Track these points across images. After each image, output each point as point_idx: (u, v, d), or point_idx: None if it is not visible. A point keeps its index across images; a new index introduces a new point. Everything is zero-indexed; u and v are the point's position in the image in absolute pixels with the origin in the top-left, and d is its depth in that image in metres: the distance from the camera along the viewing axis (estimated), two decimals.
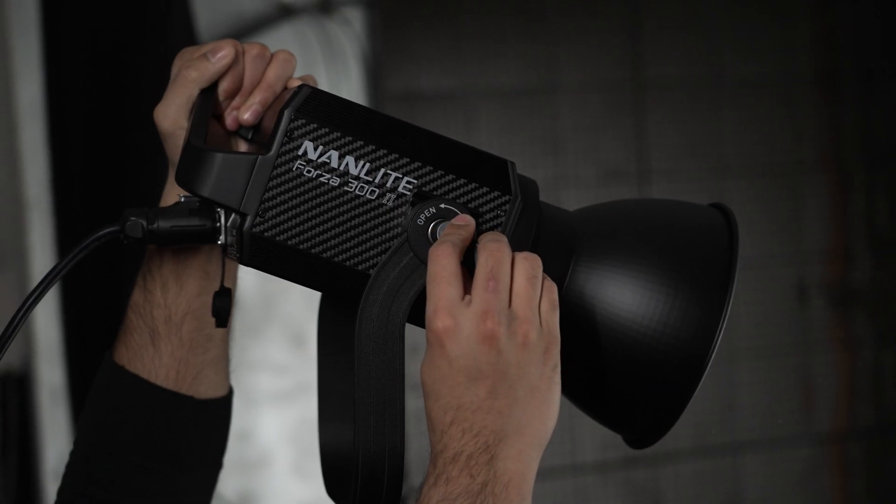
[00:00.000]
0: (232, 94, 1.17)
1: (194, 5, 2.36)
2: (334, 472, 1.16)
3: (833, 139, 3.34)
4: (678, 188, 3.14)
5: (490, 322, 0.98)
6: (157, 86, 2.19)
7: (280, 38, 2.79)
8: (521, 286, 1.01)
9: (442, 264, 1.00)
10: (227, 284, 1.20)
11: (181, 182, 1.05)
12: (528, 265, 1.01)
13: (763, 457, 3.29)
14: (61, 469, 2.63)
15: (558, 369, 1.01)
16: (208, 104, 1.15)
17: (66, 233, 2.42)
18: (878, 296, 3.40)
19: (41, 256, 2.58)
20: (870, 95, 3.36)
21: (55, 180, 2.44)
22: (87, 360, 2.35)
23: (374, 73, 2.91)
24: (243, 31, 2.75)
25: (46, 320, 2.58)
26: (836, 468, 3.38)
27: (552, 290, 1.02)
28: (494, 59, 3.03)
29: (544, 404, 1.00)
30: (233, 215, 1.04)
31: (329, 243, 1.04)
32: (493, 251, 1.01)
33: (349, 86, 2.81)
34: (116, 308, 2.28)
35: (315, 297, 2.82)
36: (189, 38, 2.26)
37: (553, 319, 1.01)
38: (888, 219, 3.41)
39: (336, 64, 2.83)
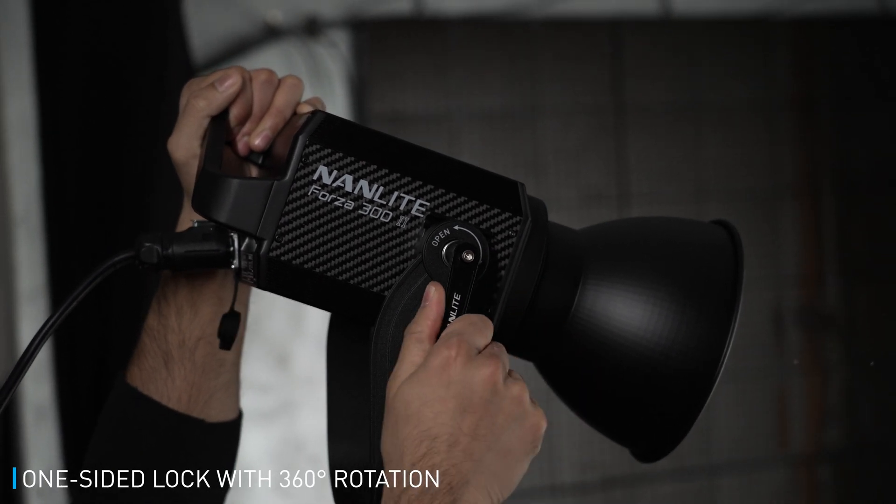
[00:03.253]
0: (242, 121, 1.18)
1: (188, 25, 2.38)
2: (345, 490, 1.18)
3: (809, 165, 3.38)
4: (657, 211, 3.17)
5: (495, 364, 1.00)
6: (154, 104, 2.21)
7: (267, 60, 2.81)
8: (515, 376, 1.03)
9: (484, 321, 1.03)
10: (237, 309, 1.21)
11: (198, 208, 1.06)
12: (518, 375, 1.05)
13: (738, 479, 3.32)
14: (45, 488, 2.62)
15: (536, 451, 1.02)
16: (221, 131, 1.16)
17: (58, 250, 2.41)
18: (850, 321, 3.44)
19: (28, 274, 2.57)
20: (846, 122, 3.41)
21: (46, 197, 2.43)
22: (76, 378, 2.34)
23: (360, 95, 2.93)
24: (232, 52, 2.77)
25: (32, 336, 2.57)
26: (809, 490, 3.41)
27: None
28: (478, 81, 3.05)
29: (509, 470, 1.00)
30: (247, 239, 1.06)
31: (344, 266, 1.06)
32: (499, 345, 1.04)
33: (334, 107, 2.83)
34: (106, 326, 2.29)
35: (298, 316, 2.84)
36: (184, 56, 2.27)
37: (544, 421, 1.02)
38: (862, 244, 3.45)
39: (322, 85, 2.85)
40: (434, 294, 1.04)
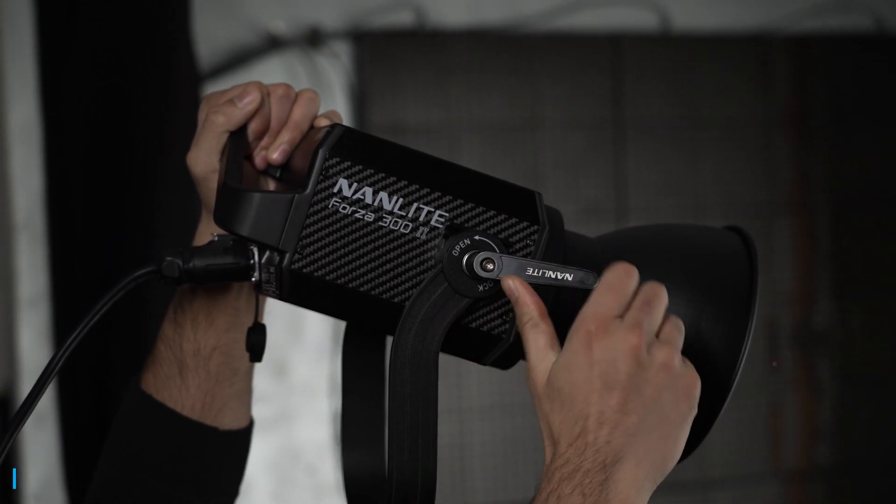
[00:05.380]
0: (260, 135, 1.19)
1: (195, 34, 2.38)
2: (358, 498, 1.19)
3: (804, 182, 3.40)
4: None
5: (637, 335, 1.00)
6: (159, 110, 2.20)
7: (269, 70, 2.82)
8: (669, 329, 1.03)
9: (621, 278, 1.03)
10: (259, 320, 1.22)
11: (220, 222, 1.07)
12: (677, 320, 1.04)
13: (731, 493, 3.33)
14: (43, 493, 2.61)
15: (694, 413, 1.01)
16: (240, 145, 1.17)
17: (60, 256, 2.40)
18: (843, 338, 3.45)
19: (29, 280, 2.57)
20: (842, 139, 3.43)
21: (50, 203, 2.42)
22: (76, 385, 2.34)
23: (361, 105, 2.94)
24: (235, 62, 2.78)
25: (33, 343, 2.57)
26: None
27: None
28: (479, 94, 3.07)
29: (670, 438, 1.00)
30: (268, 252, 1.06)
31: (366, 277, 1.07)
32: (654, 286, 1.04)
33: None
34: (108, 333, 2.29)
35: (297, 326, 2.84)
36: (190, 63, 2.27)
37: (697, 381, 1.02)
38: (856, 262, 3.47)
39: (323, 95, 2.83)
40: (513, 282, 1.05)
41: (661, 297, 1.03)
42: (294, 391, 2.90)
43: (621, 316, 1.02)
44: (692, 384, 1.01)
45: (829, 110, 3.41)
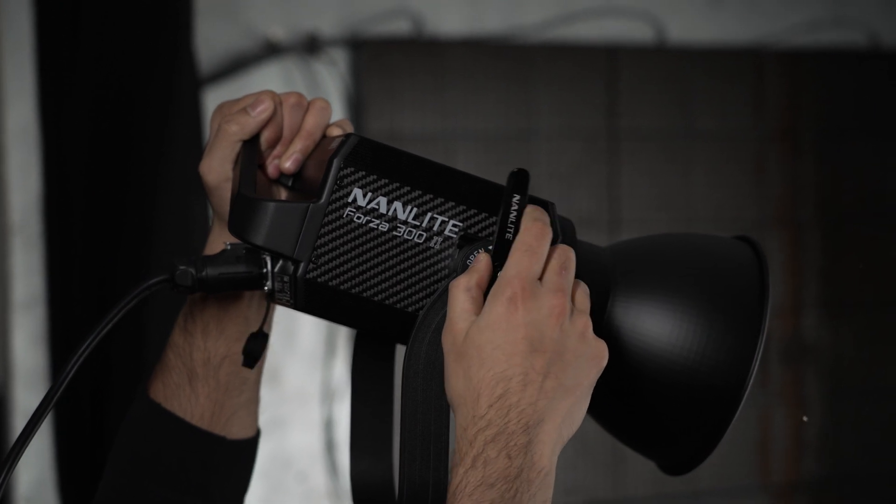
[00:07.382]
0: (273, 144, 1.19)
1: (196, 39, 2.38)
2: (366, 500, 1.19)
3: (795, 195, 3.41)
4: None
5: (561, 300, 1.01)
6: (162, 112, 2.20)
7: (267, 76, 2.81)
8: (580, 296, 1.04)
9: (538, 238, 1.02)
10: (264, 329, 1.22)
11: (235, 231, 1.06)
12: (584, 285, 1.05)
13: None
14: (34, 496, 2.60)
15: (591, 389, 1.03)
16: (253, 154, 1.17)
17: (58, 259, 2.39)
18: (832, 352, 3.46)
19: (24, 283, 2.56)
20: (833, 154, 3.44)
21: (47, 206, 2.41)
22: (71, 386, 2.32)
23: (357, 113, 2.94)
24: (233, 68, 2.77)
25: (27, 345, 2.56)
26: None
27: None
28: (475, 103, 3.07)
29: (578, 404, 1.02)
30: (281, 261, 1.06)
31: (380, 287, 1.07)
32: (565, 249, 1.04)
33: None
34: (106, 339, 2.28)
35: (290, 333, 2.84)
36: (192, 64, 2.26)
37: (605, 353, 1.03)
38: (845, 275, 3.48)
39: None
40: (482, 256, 1.04)
41: (573, 260, 1.04)
42: (286, 398, 2.90)
43: (540, 278, 1.02)
44: (602, 354, 1.02)
45: (821, 125, 3.43)
